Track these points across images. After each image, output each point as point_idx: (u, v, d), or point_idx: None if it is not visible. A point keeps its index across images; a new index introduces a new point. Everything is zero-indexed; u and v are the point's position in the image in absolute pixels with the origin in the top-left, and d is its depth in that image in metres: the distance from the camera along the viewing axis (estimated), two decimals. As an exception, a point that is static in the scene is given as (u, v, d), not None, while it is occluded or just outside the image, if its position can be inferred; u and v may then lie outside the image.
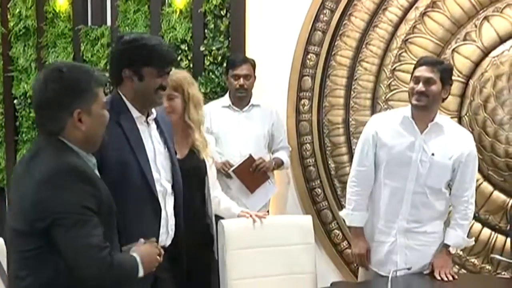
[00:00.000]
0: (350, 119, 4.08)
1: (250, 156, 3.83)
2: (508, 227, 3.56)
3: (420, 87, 2.84)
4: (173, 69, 2.61)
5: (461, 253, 3.81)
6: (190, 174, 2.78)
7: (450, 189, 2.98)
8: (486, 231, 3.83)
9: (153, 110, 2.52)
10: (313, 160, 4.18)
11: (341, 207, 4.04)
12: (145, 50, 2.40)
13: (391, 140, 2.93)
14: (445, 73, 2.88)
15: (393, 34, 3.95)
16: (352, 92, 4.06)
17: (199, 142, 2.90)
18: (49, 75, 1.89)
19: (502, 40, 3.73)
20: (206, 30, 4.27)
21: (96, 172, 1.99)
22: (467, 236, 3.01)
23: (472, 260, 3.86)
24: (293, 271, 3.01)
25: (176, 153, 2.70)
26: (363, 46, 4.01)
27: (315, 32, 4.08)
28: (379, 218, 2.98)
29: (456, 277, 2.89)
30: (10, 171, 4.56)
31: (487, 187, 3.80)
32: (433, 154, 2.87)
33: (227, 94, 4.02)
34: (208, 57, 4.26)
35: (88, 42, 4.53)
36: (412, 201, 2.90)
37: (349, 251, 4.06)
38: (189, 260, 2.65)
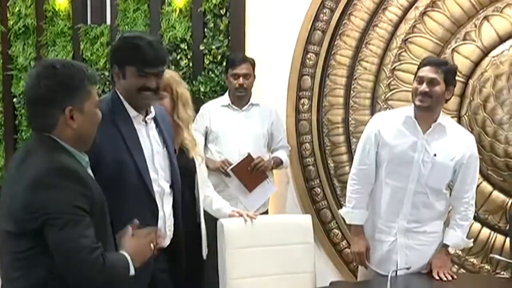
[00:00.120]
0: (350, 119, 4.08)
1: (249, 155, 3.83)
2: (508, 227, 3.57)
3: (424, 87, 2.83)
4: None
5: (460, 253, 3.81)
6: (180, 173, 2.76)
7: (451, 190, 2.99)
8: (486, 231, 3.83)
9: (152, 109, 2.50)
10: (313, 160, 4.18)
11: (340, 206, 4.03)
12: (129, 49, 2.38)
13: (393, 140, 2.92)
14: (449, 74, 2.88)
15: (393, 34, 3.95)
16: (351, 92, 4.06)
17: (188, 141, 2.89)
18: (42, 71, 1.87)
19: (501, 40, 3.73)
20: (205, 29, 4.26)
21: (89, 170, 1.96)
22: (466, 237, 3.00)
23: (471, 259, 3.87)
24: (292, 271, 3.01)
25: (175, 151, 2.69)
26: (363, 45, 4.01)
27: (314, 32, 4.08)
28: (380, 217, 2.98)
29: (455, 277, 2.89)
30: (9, 170, 4.55)
31: (486, 186, 3.80)
32: (435, 155, 2.87)
33: (227, 93, 4.02)
34: (208, 56, 4.26)
35: (87, 41, 4.52)
36: (413, 201, 2.90)
37: (349, 251, 4.05)
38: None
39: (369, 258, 3.02)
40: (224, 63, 4.08)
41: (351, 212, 3.04)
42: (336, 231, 4.17)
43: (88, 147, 1.96)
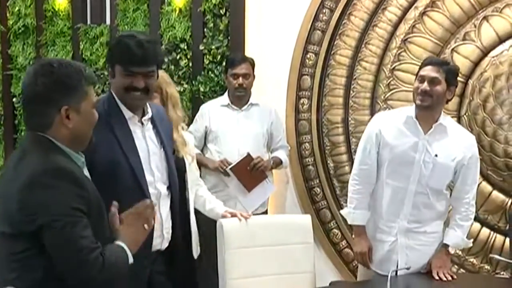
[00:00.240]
0: (349, 119, 4.07)
1: (248, 155, 3.83)
2: (507, 227, 3.56)
3: (425, 86, 2.83)
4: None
5: (460, 253, 3.81)
6: None
7: (451, 190, 2.98)
8: (485, 231, 3.83)
9: (149, 109, 2.47)
10: (312, 160, 4.18)
11: (340, 206, 4.05)
12: (118, 47, 2.37)
13: (394, 140, 2.92)
14: (451, 74, 2.87)
15: (392, 34, 3.94)
16: (351, 92, 4.06)
17: (178, 141, 2.86)
18: (40, 69, 1.86)
19: (501, 40, 3.73)
20: (205, 29, 4.26)
21: (85, 171, 1.95)
22: (466, 237, 3.00)
23: (471, 260, 3.87)
24: (292, 271, 3.00)
25: (174, 152, 2.68)
26: (363, 45, 4.01)
27: (314, 31, 4.08)
28: (381, 217, 2.97)
29: (455, 277, 2.88)
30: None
31: (486, 186, 3.80)
32: (436, 155, 2.86)
33: (226, 93, 4.02)
34: (208, 56, 4.26)
35: (87, 41, 4.52)
36: (414, 201, 2.89)
37: (348, 251, 4.07)
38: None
39: (371, 258, 3.01)
40: (224, 63, 4.08)
41: (353, 212, 3.04)
42: (336, 231, 4.16)
43: (84, 147, 1.95)
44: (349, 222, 3.13)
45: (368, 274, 3.05)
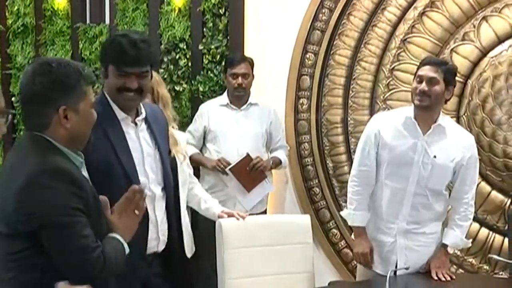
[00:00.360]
0: (349, 119, 4.08)
1: (248, 155, 3.83)
2: (506, 227, 3.57)
3: (423, 86, 2.82)
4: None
5: (459, 253, 3.82)
6: None
7: (450, 190, 2.98)
8: (484, 231, 3.83)
9: (143, 110, 2.44)
10: (311, 160, 4.18)
11: (339, 206, 4.05)
12: (111, 47, 2.34)
13: (393, 141, 2.91)
14: (449, 74, 2.86)
15: (391, 34, 3.95)
16: (350, 92, 4.06)
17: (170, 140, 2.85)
18: (38, 68, 1.85)
19: (500, 40, 3.73)
20: (204, 29, 4.26)
21: (83, 171, 1.94)
22: (465, 237, 3.00)
23: (470, 260, 3.87)
24: (291, 271, 3.00)
25: (170, 152, 2.65)
26: (362, 45, 4.01)
27: (314, 31, 4.08)
28: (380, 218, 2.97)
29: (454, 277, 2.88)
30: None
31: (485, 187, 3.80)
32: (435, 157, 2.85)
33: (225, 93, 4.02)
34: (207, 56, 4.26)
35: (86, 40, 4.52)
36: (413, 202, 2.88)
37: (347, 251, 4.07)
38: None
39: (372, 259, 3.00)
40: (223, 63, 4.08)
41: (353, 214, 3.02)
42: (335, 231, 4.17)
43: (83, 146, 1.94)
44: (349, 224, 3.12)
45: (367, 274, 3.05)
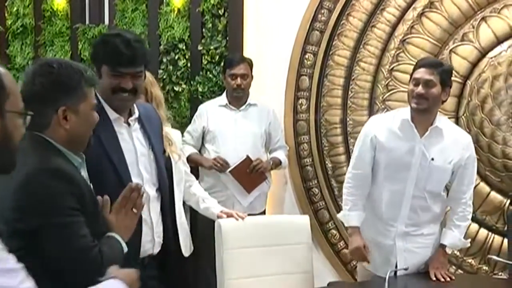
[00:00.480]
0: (348, 119, 4.08)
1: (247, 157, 3.82)
2: (506, 228, 3.56)
3: (420, 89, 2.79)
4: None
5: (458, 253, 3.81)
6: None
7: (448, 190, 2.98)
8: (483, 232, 3.83)
9: (136, 109, 2.41)
10: (311, 160, 4.18)
11: (338, 207, 4.04)
12: (104, 47, 2.31)
13: (390, 144, 2.89)
14: (445, 75, 2.83)
15: (390, 34, 3.95)
16: (349, 92, 4.06)
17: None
18: (39, 69, 1.85)
19: (499, 41, 3.73)
20: (204, 30, 4.26)
21: (82, 171, 1.93)
22: (464, 237, 2.99)
23: (469, 260, 3.87)
24: (290, 271, 3.00)
25: (164, 151, 2.63)
26: (361, 46, 4.01)
27: (313, 32, 4.08)
28: (380, 221, 2.95)
29: (453, 277, 2.88)
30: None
31: (484, 187, 3.80)
32: (432, 159, 2.84)
33: (224, 93, 4.02)
34: (206, 56, 4.26)
35: (85, 41, 4.52)
36: (411, 205, 2.87)
37: (346, 251, 4.06)
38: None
39: (368, 254, 2.96)
40: (222, 63, 4.08)
41: (347, 214, 3.01)
42: (334, 231, 4.16)
43: (83, 148, 1.93)
44: (345, 225, 3.12)
45: (367, 275, 3.04)
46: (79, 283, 1.78)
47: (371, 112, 3.95)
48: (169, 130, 3.08)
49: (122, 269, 1.83)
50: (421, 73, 2.82)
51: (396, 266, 2.88)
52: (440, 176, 2.88)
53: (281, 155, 4.03)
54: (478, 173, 3.70)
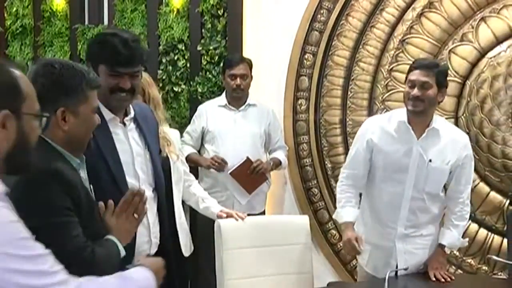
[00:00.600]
0: (347, 119, 4.08)
1: (248, 159, 3.82)
2: (505, 228, 3.56)
3: (416, 92, 2.77)
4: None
5: (457, 253, 3.81)
6: None
7: (446, 190, 2.97)
8: (483, 232, 3.83)
9: (131, 109, 2.39)
10: (310, 160, 4.18)
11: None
12: (101, 46, 2.30)
13: (387, 146, 2.88)
14: (441, 76, 2.81)
15: (390, 35, 3.95)
16: (349, 92, 4.06)
17: (160, 142, 2.78)
18: (40, 69, 1.85)
19: (498, 41, 3.73)
20: (203, 30, 4.26)
21: (81, 172, 1.92)
22: (462, 237, 2.99)
23: (469, 260, 3.87)
24: (290, 271, 3.00)
25: (160, 151, 2.62)
26: (360, 46, 4.01)
27: (312, 32, 4.08)
28: (379, 223, 2.95)
29: (453, 277, 2.87)
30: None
31: (483, 187, 3.80)
32: (430, 161, 2.83)
33: (224, 94, 4.02)
34: (205, 57, 4.26)
35: (85, 41, 4.51)
36: (410, 206, 2.86)
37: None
38: None
39: (359, 245, 2.86)
40: (222, 64, 4.08)
41: (340, 211, 2.99)
42: (334, 231, 4.16)
43: (82, 151, 1.92)
44: (339, 222, 3.09)
45: (367, 276, 3.04)
46: None
47: (370, 112, 3.95)
48: (167, 130, 3.08)
49: (148, 258, 1.87)
50: (417, 75, 2.79)
51: (396, 267, 2.88)
52: (438, 177, 2.87)
53: (281, 155, 4.03)
54: (478, 173, 3.71)
